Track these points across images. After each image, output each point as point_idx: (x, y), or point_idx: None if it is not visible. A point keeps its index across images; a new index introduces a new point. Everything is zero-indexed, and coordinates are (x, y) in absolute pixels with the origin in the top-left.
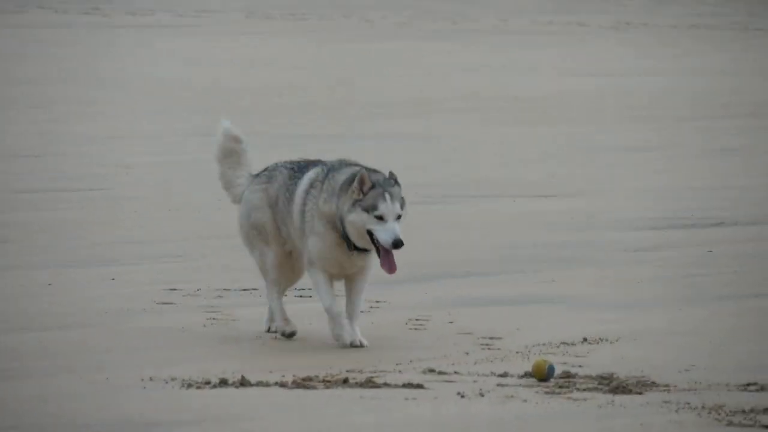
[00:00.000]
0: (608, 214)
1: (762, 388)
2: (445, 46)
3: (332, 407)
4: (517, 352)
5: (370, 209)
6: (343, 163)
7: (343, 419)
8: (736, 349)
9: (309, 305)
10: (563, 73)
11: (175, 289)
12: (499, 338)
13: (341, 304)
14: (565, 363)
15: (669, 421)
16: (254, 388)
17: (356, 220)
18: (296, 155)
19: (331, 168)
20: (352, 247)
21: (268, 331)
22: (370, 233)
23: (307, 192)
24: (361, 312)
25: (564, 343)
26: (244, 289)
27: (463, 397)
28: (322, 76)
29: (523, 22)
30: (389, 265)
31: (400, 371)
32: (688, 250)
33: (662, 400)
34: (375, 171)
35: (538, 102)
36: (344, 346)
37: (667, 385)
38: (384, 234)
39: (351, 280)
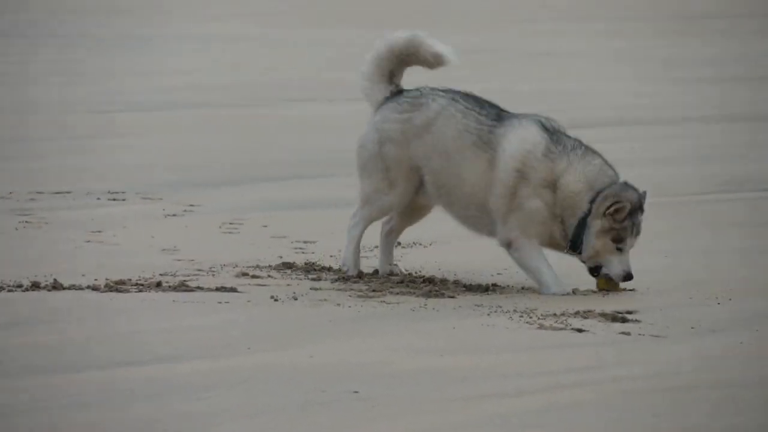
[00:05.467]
0: None
1: (573, 292)
2: None
3: (145, 311)
4: (331, 256)
5: (616, 240)
6: (581, 146)
7: (156, 323)
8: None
9: (118, 209)
10: None
11: None
12: (313, 242)
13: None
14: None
15: (481, 324)
16: (67, 291)
17: (600, 248)
18: None
19: (573, 147)
20: (569, 249)
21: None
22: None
23: (525, 157)
24: (174, 215)
25: (377, 246)
26: (57, 192)
27: (276, 300)
28: None
29: None
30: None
31: (213, 275)
32: None
33: (474, 303)
34: (629, 187)
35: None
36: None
37: (479, 288)
38: (617, 266)
39: None
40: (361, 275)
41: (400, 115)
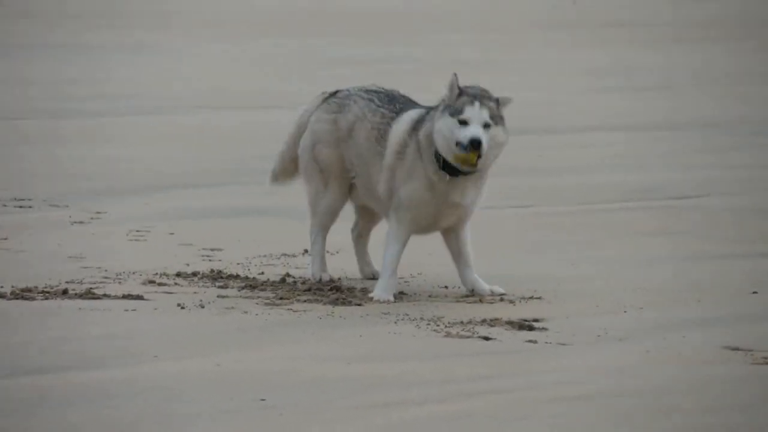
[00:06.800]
0: None
1: (480, 300)
2: None
3: (52, 319)
4: (238, 264)
5: (455, 113)
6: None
7: (63, 331)
8: None
9: (25, 216)
10: None
11: None
12: (220, 250)
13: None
14: (287, 275)
15: (388, 332)
16: None
17: (443, 127)
18: None
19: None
20: (442, 167)
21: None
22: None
23: (409, 133)
24: (81, 223)
25: (285, 254)
26: None
27: (183, 308)
28: None
29: None
30: None
31: (120, 282)
32: None
33: (381, 311)
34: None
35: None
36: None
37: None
38: (464, 132)
39: (452, 231)
40: (333, 279)
41: (329, 115)
